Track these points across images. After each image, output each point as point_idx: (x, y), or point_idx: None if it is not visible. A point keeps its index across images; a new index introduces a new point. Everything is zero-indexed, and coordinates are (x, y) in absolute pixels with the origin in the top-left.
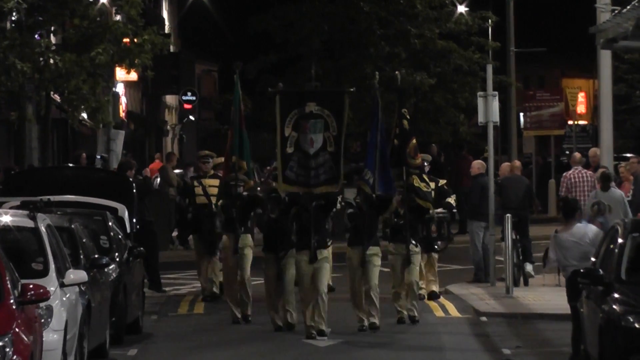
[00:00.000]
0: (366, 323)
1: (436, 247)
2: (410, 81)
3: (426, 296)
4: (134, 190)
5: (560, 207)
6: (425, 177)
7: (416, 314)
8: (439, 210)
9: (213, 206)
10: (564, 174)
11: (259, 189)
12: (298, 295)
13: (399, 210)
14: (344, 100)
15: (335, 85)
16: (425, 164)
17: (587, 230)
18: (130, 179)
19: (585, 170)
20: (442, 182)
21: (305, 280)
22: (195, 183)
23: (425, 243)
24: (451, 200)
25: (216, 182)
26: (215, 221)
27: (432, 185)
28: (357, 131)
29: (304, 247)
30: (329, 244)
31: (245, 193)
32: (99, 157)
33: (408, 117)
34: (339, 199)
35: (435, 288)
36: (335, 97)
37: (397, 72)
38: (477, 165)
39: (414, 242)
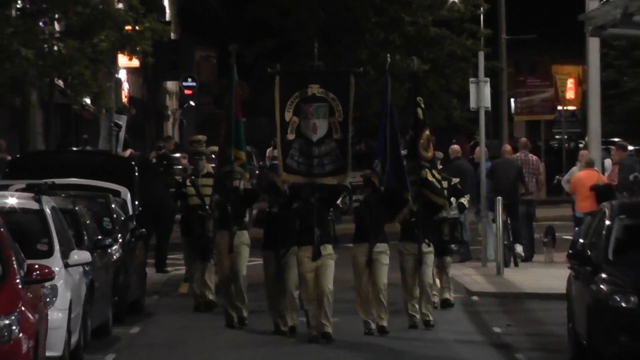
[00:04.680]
0: (373, 326)
1: (452, 248)
2: (404, 67)
3: (439, 304)
4: (136, 173)
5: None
6: (435, 172)
7: (431, 318)
8: (452, 212)
9: (207, 207)
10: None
11: (257, 172)
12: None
13: (411, 207)
14: (350, 81)
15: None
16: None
17: None
18: (132, 162)
19: (532, 155)
20: (455, 180)
21: (308, 279)
22: (188, 183)
23: (438, 246)
24: (464, 200)
25: (210, 180)
26: (207, 224)
27: (445, 184)
28: (352, 115)
29: (306, 242)
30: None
31: (242, 187)
32: (113, 124)
33: (423, 105)
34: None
35: (448, 296)
36: (341, 79)
37: (413, 57)
38: (453, 149)
39: (426, 241)
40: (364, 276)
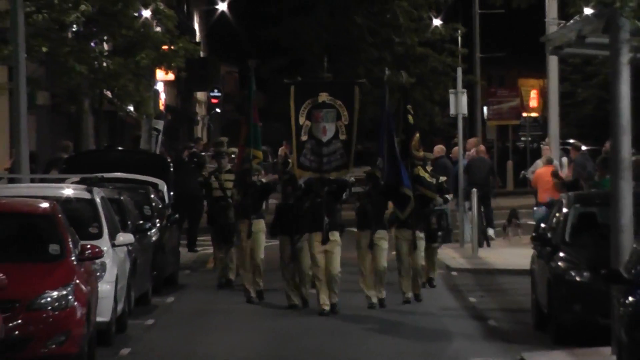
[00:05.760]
0: (375, 300)
1: (438, 240)
2: (394, 80)
3: (426, 283)
4: (171, 169)
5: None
6: (428, 169)
7: (419, 292)
8: (438, 203)
9: (228, 199)
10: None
11: (275, 176)
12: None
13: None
14: (355, 90)
15: None
16: (428, 162)
17: None
18: (168, 160)
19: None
20: (443, 179)
21: (319, 259)
22: (212, 178)
23: (427, 234)
24: (449, 197)
25: (231, 176)
26: (229, 213)
27: (434, 181)
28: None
29: (317, 229)
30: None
31: (259, 182)
32: (153, 129)
33: (412, 112)
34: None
35: (433, 276)
36: (346, 88)
37: (402, 72)
38: (437, 149)
39: (419, 230)
40: (367, 258)
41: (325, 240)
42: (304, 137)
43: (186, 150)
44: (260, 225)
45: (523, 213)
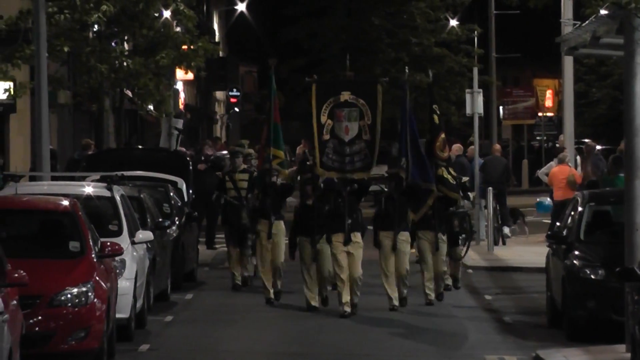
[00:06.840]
0: (396, 303)
1: (460, 239)
2: (411, 80)
3: (450, 285)
4: (190, 167)
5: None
6: (452, 170)
7: (432, 297)
8: (461, 207)
9: (242, 198)
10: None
11: (293, 167)
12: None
13: (433, 198)
14: (377, 89)
15: None
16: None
17: None
18: (188, 158)
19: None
20: (465, 179)
21: (341, 261)
22: (227, 177)
23: (449, 238)
24: (471, 196)
25: (246, 176)
26: (243, 213)
27: (456, 181)
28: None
29: (338, 230)
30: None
31: (279, 182)
32: (174, 129)
33: (438, 112)
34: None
35: (449, 282)
36: (369, 87)
37: (430, 71)
38: (455, 148)
39: (441, 235)
40: (390, 259)
41: (348, 241)
42: (326, 137)
43: (205, 160)
44: (280, 226)
45: (534, 211)
